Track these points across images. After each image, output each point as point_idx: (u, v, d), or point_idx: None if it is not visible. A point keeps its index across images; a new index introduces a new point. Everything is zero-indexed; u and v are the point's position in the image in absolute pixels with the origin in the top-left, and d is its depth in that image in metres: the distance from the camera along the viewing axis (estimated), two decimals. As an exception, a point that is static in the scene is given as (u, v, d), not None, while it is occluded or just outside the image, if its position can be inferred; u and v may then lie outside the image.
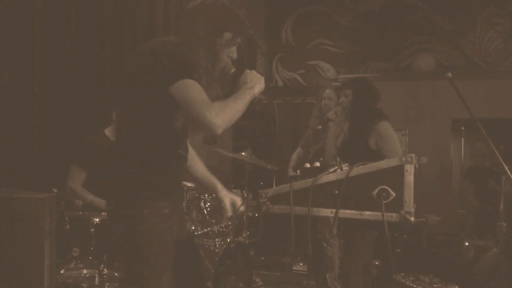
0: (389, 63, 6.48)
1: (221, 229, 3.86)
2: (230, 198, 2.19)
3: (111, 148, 3.38)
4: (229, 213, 2.19)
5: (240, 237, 3.87)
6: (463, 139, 3.90)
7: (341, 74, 6.56)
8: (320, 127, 3.19)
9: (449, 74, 2.44)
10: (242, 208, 2.31)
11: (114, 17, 4.11)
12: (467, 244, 4.40)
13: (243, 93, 1.93)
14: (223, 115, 1.81)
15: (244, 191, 4.15)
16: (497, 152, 2.25)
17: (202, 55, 1.91)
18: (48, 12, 3.46)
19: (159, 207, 1.88)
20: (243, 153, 3.93)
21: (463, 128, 3.93)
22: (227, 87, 2.00)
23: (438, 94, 5.86)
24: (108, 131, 3.50)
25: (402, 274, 4.43)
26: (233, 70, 2.02)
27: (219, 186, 2.23)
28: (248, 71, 2.00)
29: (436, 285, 4.21)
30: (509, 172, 2.24)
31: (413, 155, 1.85)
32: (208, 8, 1.96)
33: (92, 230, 3.09)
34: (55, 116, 3.54)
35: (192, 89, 1.79)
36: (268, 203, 2.10)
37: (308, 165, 2.15)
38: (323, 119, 3.38)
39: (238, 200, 2.20)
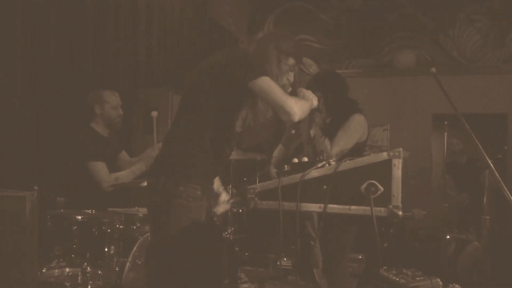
0: (371, 59, 6.53)
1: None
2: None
3: (101, 140, 3.41)
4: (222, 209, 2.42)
5: (224, 233, 3.85)
6: (446, 133, 3.94)
7: (324, 69, 6.59)
8: (293, 131, 3.19)
9: (433, 69, 2.47)
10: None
11: (96, 11, 4.05)
12: (448, 237, 4.46)
13: (308, 100, 2.24)
14: (301, 105, 2.11)
15: (228, 187, 4.13)
16: (480, 147, 2.27)
17: (272, 71, 2.19)
18: (30, 9, 3.39)
19: (193, 188, 2.07)
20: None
21: (446, 122, 3.97)
22: None
23: (419, 90, 5.94)
24: (94, 125, 3.47)
25: (385, 267, 4.47)
26: (290, 89, 2.31)
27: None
28: (303, 89, 2.32)
29: (418, 278, 4.26)
30: (492, 166, 2.27)
31: (401, 149, 1.86)
32: (279, 35, 2.32)
33: (75, 228, 3.04)
34: (37, 113, 3.47)
35: (272, 83, 2.06)
36: (256, 199, 2.09)
37: (296, 160, 2.14)
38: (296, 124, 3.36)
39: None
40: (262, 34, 2.36)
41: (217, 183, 2.42)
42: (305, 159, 2.14)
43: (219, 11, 6.07)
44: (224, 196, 2.46)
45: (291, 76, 2.32)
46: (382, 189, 1.85)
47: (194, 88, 2.21)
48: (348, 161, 1.97)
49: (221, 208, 2.41)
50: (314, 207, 1.98)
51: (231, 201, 2.43)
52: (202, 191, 2.12)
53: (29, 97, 3.40)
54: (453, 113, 2.33)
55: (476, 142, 2.31)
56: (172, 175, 2.10)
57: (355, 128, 3.01)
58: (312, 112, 2.95)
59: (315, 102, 2.30)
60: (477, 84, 6.02)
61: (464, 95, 5.78)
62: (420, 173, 5.82)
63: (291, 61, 2.28)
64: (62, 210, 3.16)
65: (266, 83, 2.05)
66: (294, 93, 2.28)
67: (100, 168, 3.33)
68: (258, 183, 2.11)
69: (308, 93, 2.29)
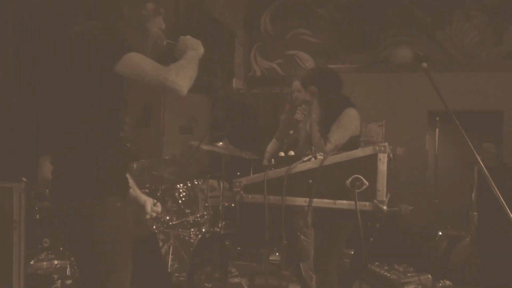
0: (367, 54, 6.50)
1: (196, 219, 3.83)
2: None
3: None
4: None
5: (215, 228, 3.84)
6: (437, 129, 3.92)
7: (319, 64, 6.56)
8: (291, 131, 3.17)
9: (425, 65, 2.44)
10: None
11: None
12: (440, 234, 4.46)
13: (191, 55, 1.89)
14: (183, 75, 1.77)
15: (220, 182, 4.12)
16: (469, 142, 2.25)
17: (131, 31, 1.87)
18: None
19: (110, 202, 1.80)
20: (220, 143, 3.89)
21: (437, 118, 3.95)
22: (163, 59, 1.90)
23: (415, 86, 5.91)
24: None
25: (377, 263, 4.47)
26: (165, 41, 1.97)
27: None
28: (183, 37, 1.97)
29: (410, 274, 4.27)
30: (481, 163, 2.25)
31: (386, 144, 1.85)
32: None
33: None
34: (24, 105, 3.45)
35: (140, 60, 1.74)
36: (242, 192, 2.08)
37: (282, 154, 2.13)
38: (292, 121, 3.34)
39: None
40: None
41: (130, 183, 2.09)
42: (292, 153, 2.13)
43: (215, 5, 6.04)
44: (142, 197, 2.17)
45: (161, 23, 1.96)
46: (367, 183, 1.85)
47: (57, 87, 1.88)
48: (334, 155, 1.96)
49: (152, 213, 2.15)
50: (300, 201, 1.97)
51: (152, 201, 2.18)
52: (120, 200, 1.84)
53: (17, 88, 3.38)
54: (446, 110, 2.30)
55: (466, 138, 2.29)
56: (80, 197, 1.77)
57: (349, 122, 3.00)
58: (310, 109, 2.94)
59: (200, 49, 1.95)
60: (474, 81, 5.99)
61: (460, 91, 5.75)
62: (415, 169, 5.81)
63: (150, 5, 1.93)
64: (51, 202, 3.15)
65: (133, 62, 1.73)
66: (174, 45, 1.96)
67: (46, 164, 3.28)
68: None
69: (191, 41, 1.96)
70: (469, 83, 5.97)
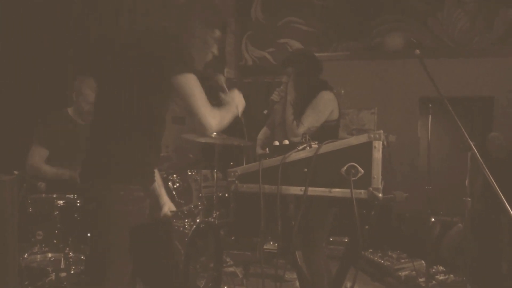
0: (359, 42, 6.48)
1: (190, 210, 3.82)
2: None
3: (74, 127, 3.34)
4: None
5: (210, 218, 3.84)
6: (430, 116, 3.93)
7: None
8: (265, 111, 3.13)
9: (418, 51, 2.44)
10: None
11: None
12: (433, 220, 4.50)
13: (233, 110, 2.10)
14: (220, 120, 1.94)
15: (214, 172, 4.10)
16: (462, 128, 2.26)
17: (195, 50, 2.01)
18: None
19: (133, 190, 1.90)
20: (213, 134, 3.87)
21: (430, 105, 3.96)
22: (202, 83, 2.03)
23: (407, 73, 5.91)
24: (71, 111, 3.40)
25: (371, 250, 4.51)
26: (214, 71, 2.21)
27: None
28: (237, 91, 2.19)
29: (403, 261, 4.32)
30: (474, 149, 2.26)
31: (381, 131, 1.84)
32: (203, 6, 2.07)
33: (57, 212, 3.01)
34: (16, 98, 3.41)
35: (196, 85, 1.87)
36: (237, 182, 2.07)
37: (277, 142, 2.12)
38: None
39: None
40: (183, 1, 2.09)
41: (158, 181, 2.23)
42: (286, 141, 2.12)
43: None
44: (164, 198, 2.28)
45: (215, 49, 2.12)
46: (362, 171, 1.84)
47: (113, 75, 1.96)
48: (329, 143, 1.95)
49: (165, 210, 2.26)
50: (295, 190, 1.96)
51: (172, 208, 2.31)
52: (143, 190, 1.94)
53: (8, 81, 3.34)
54: (438, 96, 2.30)
55: (459, 124, 2.29)
56: (107, 178, 1.89)
57: (324, 105, 2.96)
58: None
59: (240, 108, 2.15)
60: (465, 67, 6.01)
61: (452, 78, 5.77)
62: (407, 156, 5.84)
63: (217, 33, 2.09)
64: (43, 194, 3.12)
65: (189, 84, 1.85)
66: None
67: (36, 153, 3.25)
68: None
69: (237, 97, 2.16)
70: (460, 70, 5.99)
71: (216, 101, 2.08)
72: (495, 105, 5.97)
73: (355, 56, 6.39)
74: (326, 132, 2.92)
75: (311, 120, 2.91)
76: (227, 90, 2.19)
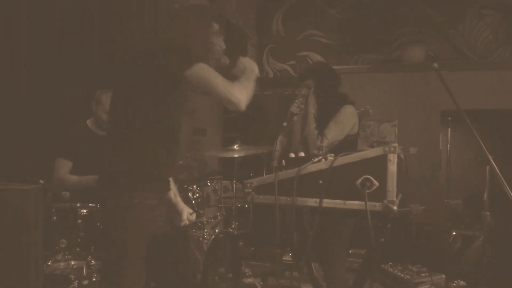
0: (379, 54, 6.48)
1: (210, 220, 3.87)
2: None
3: (94, 138, 3.42)
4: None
5: (229, 228, 3.87)
6: (449, 129, 3.91)
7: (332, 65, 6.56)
8: (285, 123, 3.15)
9: (435, 65, 2.45)
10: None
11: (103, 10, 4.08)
12: (454, 234, 4.44)
13: (250, 76, 2.09)
14: (245, 91, 1.96)
15: (233, 182, 4.15)
16: (481, 141, 2.26)
17: (195, 45, 2.02)
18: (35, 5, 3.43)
19: (147, 198, 1.92)
20: (235, 146, 3.91)
21: (450, 118, 3.94)
22: (223, 75, 2.06)
23: (428, 86, 5.89)
24: (89, 122, 3.49)
25: (390, 263, 4.47)
26: (227, 61, 2.18)
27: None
28: (243, 58, 2.18)
29: (423, 275, 4.26)
30: (493, 162, 2.25)
31: (396, 144, 1.86)
32: (196, 5, 2.15)
33: (80, 221, 3.08)
34: (40, 107, 3.51)
35: (210, 71, 1.91)
36: (253, 193, 2.11)
37: (293, 155, 2.15)
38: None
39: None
40: (178, 6, 2.23)
41: (173, 189, 2.26)
42: (302, 154, 2.15)
43: (227, 6, 6.08)
44: (181, 205, 2.32)
45: (222, 43, 2.18)
46: (377, 184, 1.86)
47: (125, 84, 2.03)
48: (344, 156, 1.97)
49: (186, 221, 2.30)
50: (310, 202, 1.99)
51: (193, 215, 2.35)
52: (158, 198, 1.98)
53: (33, 89, 3.44)
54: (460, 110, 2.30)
55: (477, 136, 2.29)
56: (122, 186, 1.92)
57: (347, 119, 2.97)
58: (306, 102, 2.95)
59: (256, 70, 2.17)
60: (487, 80, 5.95)
61: (474, 91, 5.72)
62: (429, 169, 5.78)
63: (215, 26, 2.14)
64: (67, 203, 3.20)
65: (203, 72, 1.90)
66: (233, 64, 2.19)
67: (60, 165, 3.33)
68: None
69: (248, 62, 2.17)
70: (482, 82, 5.93)
71: (230, 78, 2.10)
72: (518, 117, 5.88)
73: (376, 69, 6.39)
74: (346, 145, 2.93)
75: (335, 133, 2.92)
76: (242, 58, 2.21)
